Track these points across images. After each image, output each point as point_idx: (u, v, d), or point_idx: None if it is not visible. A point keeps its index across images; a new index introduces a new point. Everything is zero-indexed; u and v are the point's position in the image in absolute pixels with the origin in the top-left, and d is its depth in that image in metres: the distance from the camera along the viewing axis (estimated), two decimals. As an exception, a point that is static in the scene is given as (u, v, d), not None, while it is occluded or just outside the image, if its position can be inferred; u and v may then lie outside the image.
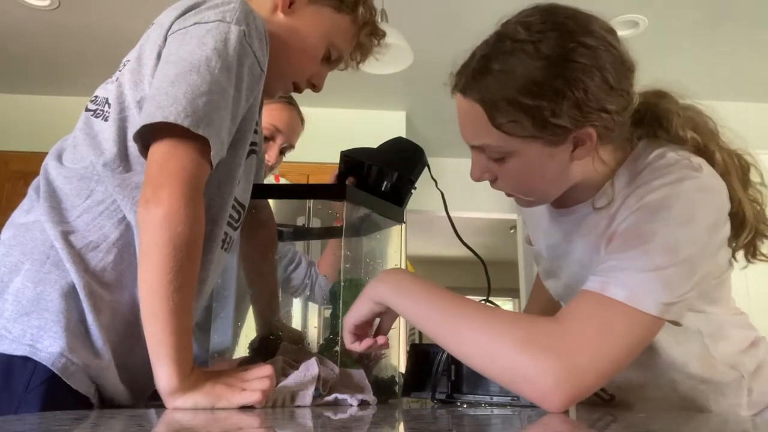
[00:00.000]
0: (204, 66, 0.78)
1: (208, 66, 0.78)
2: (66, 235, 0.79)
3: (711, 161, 0.86)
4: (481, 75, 0.81)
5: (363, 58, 1.04)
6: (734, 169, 0.87)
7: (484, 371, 0.76)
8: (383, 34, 1.04)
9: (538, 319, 0.75)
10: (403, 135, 4.03)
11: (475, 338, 0.75)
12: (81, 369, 0.75)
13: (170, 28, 0.84)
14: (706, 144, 0.88)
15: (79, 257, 0.78)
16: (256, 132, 0.96)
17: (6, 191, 3.61)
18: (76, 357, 0.74)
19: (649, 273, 0.74)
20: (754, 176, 0.90)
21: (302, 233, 1.44)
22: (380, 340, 0.88)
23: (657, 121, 0.89)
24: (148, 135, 0.77)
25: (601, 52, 0.79)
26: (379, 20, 1.02)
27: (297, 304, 1.30)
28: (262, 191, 1.06)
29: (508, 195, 0.94)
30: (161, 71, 0.80)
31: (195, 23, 0.82)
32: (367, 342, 0.87)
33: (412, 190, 1.14)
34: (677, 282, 0.74)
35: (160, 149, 0.76)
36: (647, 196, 0.80)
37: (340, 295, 1.06)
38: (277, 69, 0.94)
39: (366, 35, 1.01)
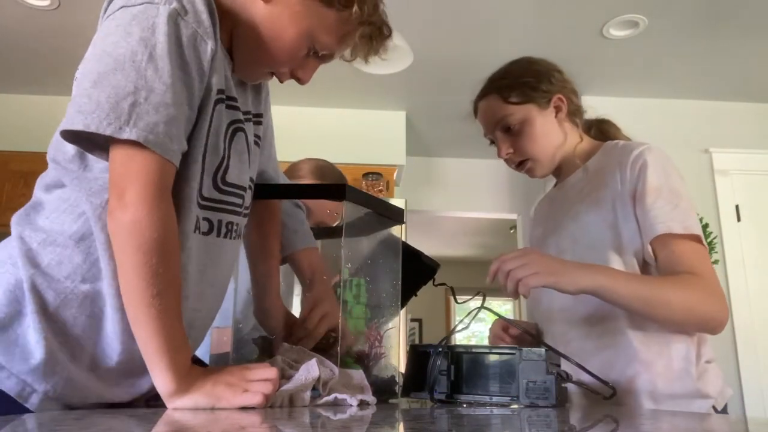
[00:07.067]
0: (129, 62, 0.73)
1: (134, 61, 0.73)
2: (25, 233, 0.80)
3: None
4: (492, 81, 1.30)
5: (361, 57, 0.96)
6: None
7: (681, 322, 1.08)
8: (387, 35, 0.95)
9: (693, 279, 1.06)
10: (403, 135, 4.03)
11: (675, 300, 1.05)
12: (3, 367, 0.75)
13: (105, 12, 0.80)
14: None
15: (31, 252, 0.79)
16: (238, 108, 0.90)
17: (6, 191, 3.61)
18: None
19: (680, 209, 1.10)
20: None
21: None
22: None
23: (601, 133, 1.35)
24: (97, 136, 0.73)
25: (565, 79, 1.31)
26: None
27: (297, 304, 1.29)
28: (262, 191, 1.06)
29: (518, 167, 1.30)
30: (85, 65, 0.77)
31: (122, 7, 0.77)
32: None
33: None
34: (692, 211, 1.12)
35: (119, 152, 0.73)
36: (639, 162, 1.14)
37: (340, 295, 1.06)
38: (252, 56, 0.90)
39: (361, 36, 0.91)
